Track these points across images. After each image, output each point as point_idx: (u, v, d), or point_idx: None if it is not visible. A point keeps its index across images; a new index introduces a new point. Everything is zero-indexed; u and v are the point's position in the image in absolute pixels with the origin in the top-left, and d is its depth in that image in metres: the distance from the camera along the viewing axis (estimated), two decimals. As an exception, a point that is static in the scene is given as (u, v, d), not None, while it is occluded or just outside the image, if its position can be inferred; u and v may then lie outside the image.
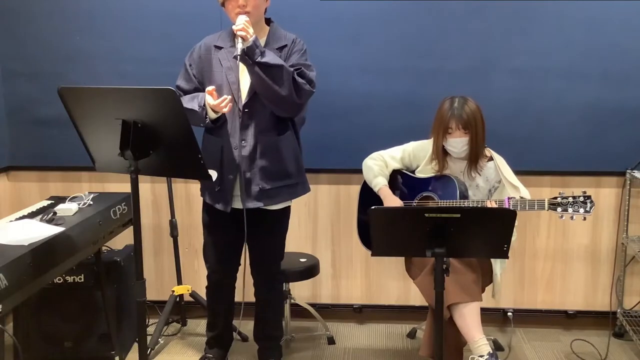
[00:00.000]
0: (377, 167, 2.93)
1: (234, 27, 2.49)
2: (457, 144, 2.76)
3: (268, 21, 2.75)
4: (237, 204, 2.72)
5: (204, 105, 2.58)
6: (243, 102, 2.66)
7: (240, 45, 2.45)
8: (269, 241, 2.86)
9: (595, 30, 3.22)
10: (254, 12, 2.58)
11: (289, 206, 2.87)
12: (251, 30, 2.48)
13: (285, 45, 2.68)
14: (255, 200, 2.70)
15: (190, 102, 2.63)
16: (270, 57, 2.52)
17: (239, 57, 2.45)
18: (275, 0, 2.71)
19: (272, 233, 2.85)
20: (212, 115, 2.60)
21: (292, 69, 2.57)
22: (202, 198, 2.88)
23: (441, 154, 2.82)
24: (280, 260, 2.95)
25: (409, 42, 3.31)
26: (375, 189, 2.91)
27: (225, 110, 2.54)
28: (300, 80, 2.58)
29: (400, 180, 2.96)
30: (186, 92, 2.75)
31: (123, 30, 3.42)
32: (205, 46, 2.75)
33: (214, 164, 2.64)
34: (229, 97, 2.55)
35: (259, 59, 2.48)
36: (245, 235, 2.72)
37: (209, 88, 2.56)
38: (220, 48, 2.71)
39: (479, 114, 2.74)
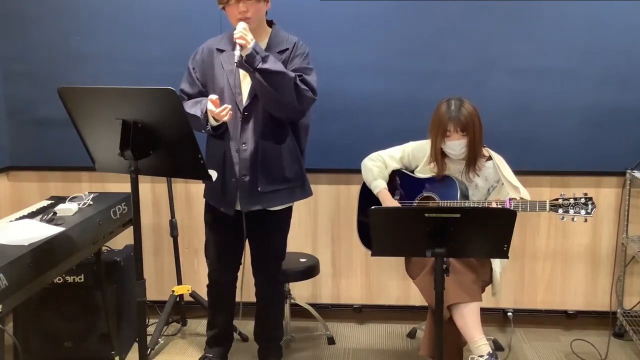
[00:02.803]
0: (377, 168, 2.93)
1: (234, 33, 2.49)
2: (456, 146, 2.76)
3: (270, 23, 2.74)
4: (238, 205, 2.72)
5: (206, 112, 2.57)
6: (244, 104, 2.66)
7: (237, 53, 2.45)
8: (270, 240, 2.86)
9: (595, 31, 3.22)
10: (255, 16, 2.58)
11: (291, 206, 2.87)
12: (249, 37, 2.47)
13: (287, 49, 2.67)
14: (254, 203, 2.70)
15: (193, 107, 2.62)
16: (271, 64, 2.50)
17: (236, 64, 2.46)
18: (276, 0, 2.71)
19: (273, 232, 2.85)
20: (213, 122, 2.58)
21: (293, 75, 2.56)
22: (203, 198, 2.88)
23: (440, 156, 2.82)
24: (282, 260, 2.94)
25: (408, 42, 3.31)
26: (375, 192, 2.91)
27: (225, 119, 2.53)
28: (302, 86, 2.58)
29: (401, 180, 2.96)
30: (190, 96, 2.74)
31: (123, 30, 3.42)
32: (208, 49, 2.75)
33: (217, 167, 2.65)
34: (229, 106, 2.54)
35: (259, 66, 2.48)
36: (245, 236, 2.72)
37: (213, 97, 2.54)
38: (222, 51, 2.71)
39: (476, 115, 2.74)
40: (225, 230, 2.82)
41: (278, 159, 2.71)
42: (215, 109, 2.52)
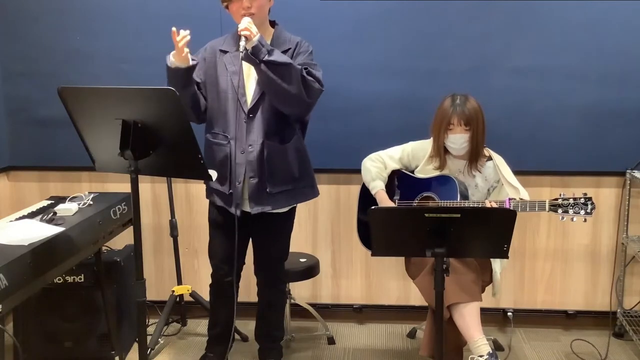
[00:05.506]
0: (376, 169, 2.93)
1: (238, 27, 2.49)
2: (458, 140, 2.76)
3: (273, 23, 2.74)
4: (247, 207, 2.72)
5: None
6: (248, 106, 2.65)
7: (242, 43, 2.43)
8: (273, 242, 2.86)
9: (596, 31, 3.22)
10: (259, 13, 2.58)
11: (295, 207, 2.87)
12: (254, 29, 2.47)
13: (290, 49, 2.66)
14: (263, 204, 2.70)
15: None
16: (277, 56, 2.50)
17: (242, 55, 2.43)
18: (276, 1, 2.71)
19: (277, 234, 2.86)
20: (174, 62, 2.50)
21: (300, 67, 2.55)
22: (205, 198, 2.88)
23: (442, 151, 2.82)
24: (284, 261, 2.95)
25: (409, 42, 3.31)
26: (372, 192, 2.91)
27: (181, 44, 2.41)
28: (309, 78, 2.57)
29: (401, 180, 2.96)
30: None
31: (123, 30, 3.42)
32: (211, 49, 2.74)
33: (223, 170, 2.65)
34: (187, 32, 2.45)
35: (265, 58, 2.46)
36: (246, 238, 2.72)
37: (174, 28, 2.43)
38: (225, 52, 2.70)
39: (480, 111, 2.75)
40: (229, 231, 2.80)
41: (285, 159, 2.70)
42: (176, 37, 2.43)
